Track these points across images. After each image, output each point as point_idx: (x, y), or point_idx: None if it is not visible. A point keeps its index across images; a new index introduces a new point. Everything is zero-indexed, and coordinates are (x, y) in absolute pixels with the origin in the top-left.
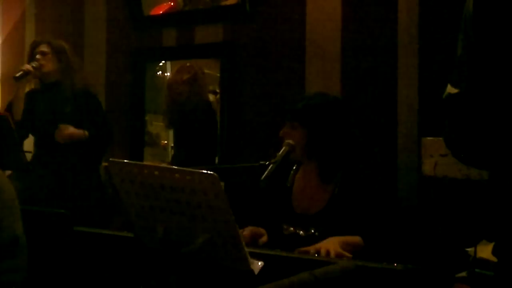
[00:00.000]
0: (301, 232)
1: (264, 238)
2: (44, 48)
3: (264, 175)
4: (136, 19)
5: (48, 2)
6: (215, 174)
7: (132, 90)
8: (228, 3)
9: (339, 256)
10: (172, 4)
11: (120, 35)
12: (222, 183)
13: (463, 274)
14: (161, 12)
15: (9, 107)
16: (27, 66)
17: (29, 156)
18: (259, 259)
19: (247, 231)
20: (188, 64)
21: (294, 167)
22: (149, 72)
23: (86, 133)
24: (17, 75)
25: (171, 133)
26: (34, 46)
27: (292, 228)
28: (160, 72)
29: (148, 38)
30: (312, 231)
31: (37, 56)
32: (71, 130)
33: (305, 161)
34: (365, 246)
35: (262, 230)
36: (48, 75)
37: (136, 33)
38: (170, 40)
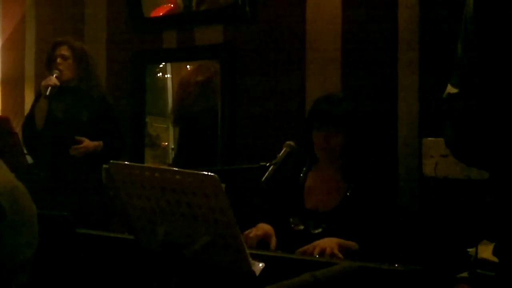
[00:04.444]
0: (311, 228)
1: (274, 242)
2: (65, 51)
3: (264, 176)
4: (136, 21)
5: (49, 4)
6: (216, 175)
7: (132, 92)
8: (227, 4)
9: (332, 255)
10: (172, 6)
11: (120, 37)
12: (223, 185)
13: (464, 274)
14: (161, 14)
15: (31, 116)
16: (54, 80)
17: (29, 158)
18: (260, 261)
19: (260, 231)
20: (205, 65)
21: (307, 164)
22: (149, 73)
23: (101, 143)
24: (48, 93)
25: (171, 134)
26: (55, 46)
27: (301, 224)
28: (161, 73)
29: (148, 40)
30: (322, 229)
31: (58, 60)
32: (86, 144)
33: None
34: (360, 251)
35: (270, 231)
36: (67, 81)
37: (136, 35)
38: (170, 41)
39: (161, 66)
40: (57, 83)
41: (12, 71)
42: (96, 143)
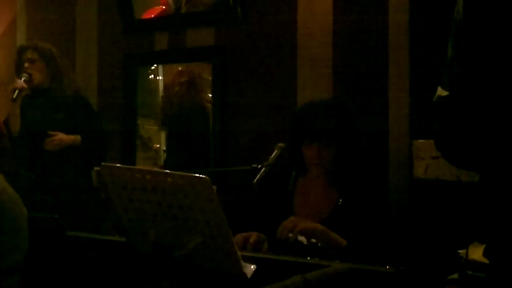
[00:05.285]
0: (304, 240)
1: (265, 246)
2: (31, 54)
3: (256, 178)
4: (128, 23)
5: (39, 6)
6: (207, 177)
7: (124, 94)
8: (219, 7)
9: (305, 229)
10: (163, 7)
11: (111, 39)
12: (215, 187)
13: (455, 276)
14: (152, 15)
15: (6, 123)
16: (20, 83)
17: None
18: (251, 263)
19: (253, 237)
20: (187, 68)
21: (295, 170)
22: (141, 75)
23: (78, 137)
24: (14, 96)
25: (163, 136)
26: (21, 51)
27: (291, 235)
28: (152, 75)
29: (140, 42)
30: (314, 240)
31: (26, 65)
32: (60, 136)
33: (317, 171)
34: (348, 249)
35: (262, 236)
36: (38, 84)
37: (127, 37)
38: (162, 43)
39: (152, 68)
40: (25, 85)
41: (2, 74)
42: (72, 136)
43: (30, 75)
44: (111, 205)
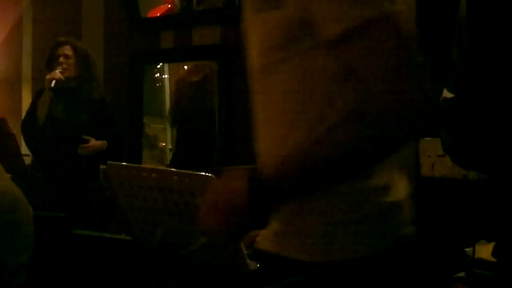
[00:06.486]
0: None
1: None
2: (68, 51)
3: None
4: (134, 22)
5: (46, 5)
6: (213, 176)
7: (129, 92)
8: (225, 5)
9: None
10: (169, 6)
11: (117, 38)
12: None
13: (462, 274)
14: (158, 14)
15: (33, 111)
16: (59, 74)
17: (26, 159)
18: (257, 260)
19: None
20: (200, 66)
21: None
22: (147, 74)
23: (105, 143)
24: (53, 85)
25: (169, 135)
26: (57, 45)
27: None
28: (158, 74)
29: (146, 40)
30: None
31: (61, 59)
32: (93, 143)
33: None
34: None
35: None
36: (68, 80)
37: (133, 35)
38: (168, 42)
39: (158, 66)
40: (62, 77)
41: (9, 72)
42: (101, 142)
43: (64, 69)
44: (117, 203)
